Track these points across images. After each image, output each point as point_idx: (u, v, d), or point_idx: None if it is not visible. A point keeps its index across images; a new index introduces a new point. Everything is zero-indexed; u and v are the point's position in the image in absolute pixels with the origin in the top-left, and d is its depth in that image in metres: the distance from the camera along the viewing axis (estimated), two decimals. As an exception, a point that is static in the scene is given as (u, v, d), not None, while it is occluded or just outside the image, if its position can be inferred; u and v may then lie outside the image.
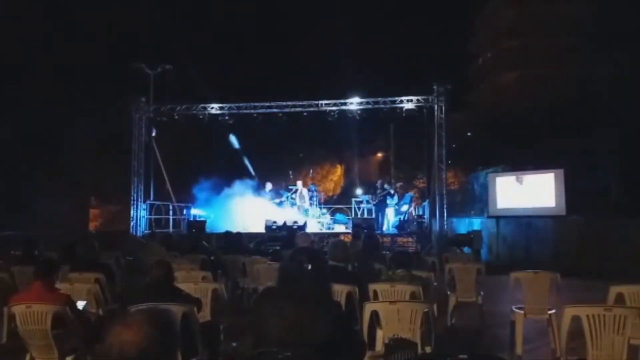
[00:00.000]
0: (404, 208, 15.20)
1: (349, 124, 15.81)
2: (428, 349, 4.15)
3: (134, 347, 1.64)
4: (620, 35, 15.40)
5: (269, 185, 15.91)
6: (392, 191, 14.69)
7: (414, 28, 17.80)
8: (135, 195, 15.51)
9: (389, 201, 14.74)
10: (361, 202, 15.68)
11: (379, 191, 14.60)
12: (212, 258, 7.73)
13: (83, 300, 4.54)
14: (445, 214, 14.31)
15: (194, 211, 16.07)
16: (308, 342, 2.63)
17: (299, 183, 15.65)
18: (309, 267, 2.97)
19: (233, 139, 17.69)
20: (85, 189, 17.28)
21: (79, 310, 4.21)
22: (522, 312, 5.44)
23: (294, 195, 15.34)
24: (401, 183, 15.36)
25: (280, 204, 15.57)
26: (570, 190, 12.37)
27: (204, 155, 16.49)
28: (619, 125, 14.13)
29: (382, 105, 14.97)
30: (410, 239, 14.70)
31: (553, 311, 5.30)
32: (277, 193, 15.78)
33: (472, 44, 24.63)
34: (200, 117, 15.64)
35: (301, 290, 2.90)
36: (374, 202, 14.73)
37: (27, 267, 5.50)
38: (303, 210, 15.21)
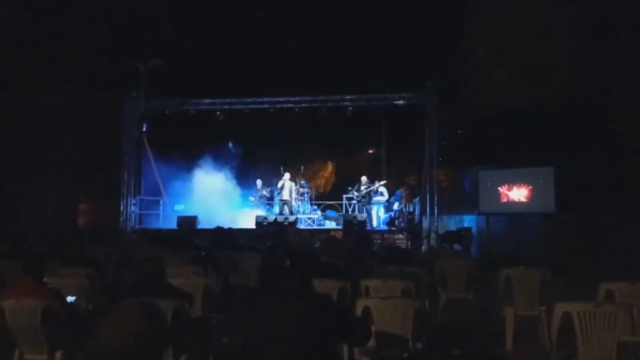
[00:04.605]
0: (395, 205, 15.23)
1: (341, 120, 15.78)
2: (419, 345, 4.16)
3: (122, 338, 1.63)
4: (610, 35, 15.50)
5: (259, 182, 15.83)
6: (376, 187, 14.67)
7: (406, 24, 17.77)
8: (125, 191, 15.42)
9: (378, 197, 14.74)
10: (352, 198, 15.67)
11: (363, 187, 14.61)
12: (203, 254, 7.70)
13: (73, 295, 4.51)
14: (436, 211, 14.35)
15: (184, 207, 16.01)
16: (297, 336, 2.64)
17: (287, 175, 15.04)
18: (287, 263, 2.98)
19: (233, 147, 17.63)
20: (75, 184, 17.13)
21: (69, 305, 4.19)
22: (512, 308, 5.47)
23: (280, 191, 15.04)
24: (385, 181, 15.31)
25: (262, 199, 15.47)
26: (560, 188, 12.45)
27: (194, 151, 16.40)
28: (609, 124, 14.23)
29: (373, 102, 14.98)
30: (401, 236, 14.74)
31: (543, 307, 5.34)
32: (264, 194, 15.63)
33: (463, 41, 24.67)
34: (192, 112, 15.58)
35: (282, 286, 2.91)
36: (358, 199, 14.73)
37: (15, 262, 5.45)
38: (291, 206, 14.91)
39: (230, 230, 9.74)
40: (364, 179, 14.83)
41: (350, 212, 15.29)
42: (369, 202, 14.58)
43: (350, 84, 15.75)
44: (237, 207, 15.92)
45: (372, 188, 14.57)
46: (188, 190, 15.89)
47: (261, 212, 14.97)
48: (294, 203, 15.06)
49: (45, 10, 15.24)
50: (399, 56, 17.59)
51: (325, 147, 21.42)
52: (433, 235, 13.88)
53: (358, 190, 14.72)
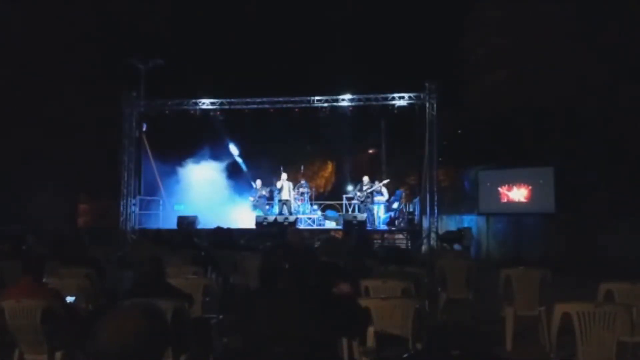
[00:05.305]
0: (395, 205, 15.22)
1: (341, 120, 15.77)
2: (419, 346, 4.16)
3: (122, 338, 1.63)
4: (610, 35, 15.50)
5: (259, 183, 15.78)
6: (379, 187, 14.66)
7: (406, 24, 17.80)
8: (125, 191, 15.41)
9: (378, 197, 14.74)
10: (352, 198, 15.67)
11: (365, 187, 14.60)
12: (202, 254, 7.70)
13: (72, 295, 4.51)
14: (436, 211, 14.35)
15: (184, 206, 15.99)
16: (297, 336, 2.64)
17: (284, 175, 14.95)
18: (286, 265, 2.99)
19: (233, 147, 17.71)
20: (75, 184, 17.12)
21: (68, 305, 4.19)
22: (512, 308, 5.47)
23: (279, 191, 14.98)
24: (387, 180, 15.30)
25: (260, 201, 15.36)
26: (560, 188, 12.45)
27: (194, 151, 16.41)
28: (609, 124, 14.23)
29: (373, 102, 14.97)
30: (401, 236, 14.74)
31: (543, 308, 5.33)
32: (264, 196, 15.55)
33: (463, 41, 24.64)
34: (192, 112, 15.57)
35: (282, 286, 2.92)
36: (361, 200, 14.72)
37: (15, 262, 5.46)
38: (290, 206, 14.85)
39: (230, 230, 9.74)
40: (365, 179, 14.81)
41: (350, 212, 15.28)
42: (372, 202, 14.57)
43: (350, 84, 15.76)
44: (236, 207, 15.90)
45: (374, 188, 14.56)
46: (188, 190, 15.88)
47: (261, 212, 14.95)
48: (293, 203, 15.03)
49: (45, 10, 15.23)
50: (398, 56, 17.61)
51: (325, 147, 21.44)
52: (433, 235, 13.88)
53: (360, 190, 14.71)
